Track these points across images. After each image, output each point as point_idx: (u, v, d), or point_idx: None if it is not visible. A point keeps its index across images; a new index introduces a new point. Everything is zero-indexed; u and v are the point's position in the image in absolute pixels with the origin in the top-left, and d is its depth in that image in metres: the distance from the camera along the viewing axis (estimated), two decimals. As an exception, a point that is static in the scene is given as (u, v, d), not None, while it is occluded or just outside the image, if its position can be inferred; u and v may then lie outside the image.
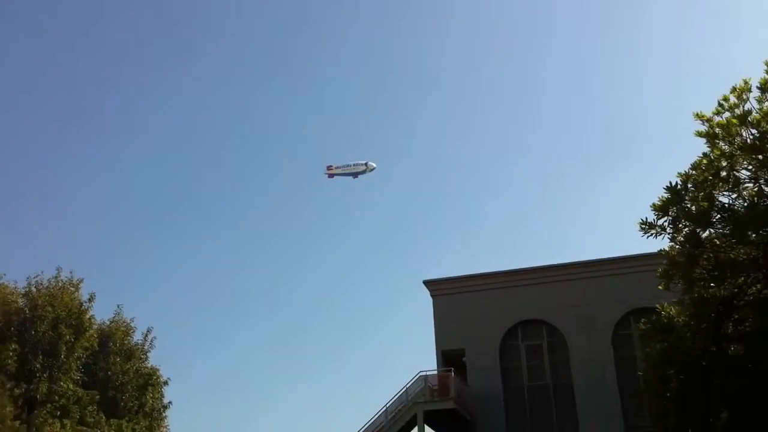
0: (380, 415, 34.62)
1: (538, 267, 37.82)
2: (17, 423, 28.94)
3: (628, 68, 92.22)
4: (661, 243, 18.25)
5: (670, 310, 18.63)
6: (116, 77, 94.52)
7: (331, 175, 55.69)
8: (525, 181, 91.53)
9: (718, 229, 17.19)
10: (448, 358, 36.79)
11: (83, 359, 34.32)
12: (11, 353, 31.17)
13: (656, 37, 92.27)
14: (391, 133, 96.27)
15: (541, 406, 35.46)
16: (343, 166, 55.81)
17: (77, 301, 35.11)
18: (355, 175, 55.52)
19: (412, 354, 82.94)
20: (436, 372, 35.74)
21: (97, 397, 33.36)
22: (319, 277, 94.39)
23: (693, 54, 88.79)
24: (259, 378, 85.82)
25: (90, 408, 32.96)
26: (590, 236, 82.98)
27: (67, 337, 33.18)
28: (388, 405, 34.81)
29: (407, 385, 35.19)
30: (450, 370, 35.50)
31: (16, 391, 30.18)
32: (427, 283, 38.88)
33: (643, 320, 19.27)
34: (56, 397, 31.97)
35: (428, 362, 37.35)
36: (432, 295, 38.55)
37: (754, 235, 16.83)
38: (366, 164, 55.71)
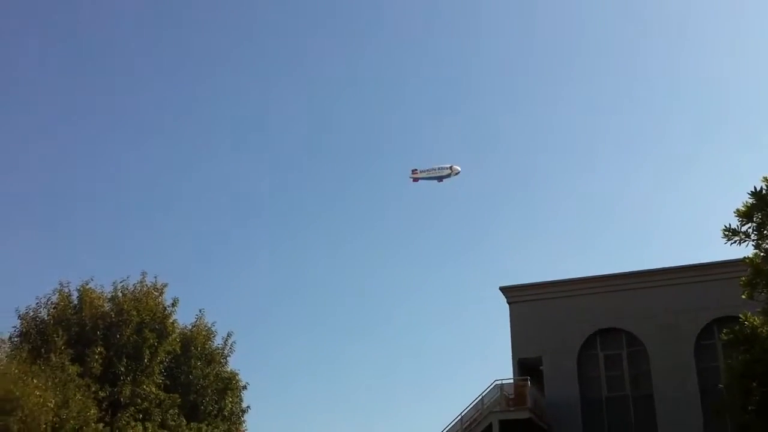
0: (455, 423, 34.42)
1: (617, 274, 37.05)
2: (101, 425, 29.70)
3: (708, 68, 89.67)
4: (746, 250, 17.80)
5: (754, 319, 18.09)
6: (195, 78, 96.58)
7: (415, 179, 55.71)
8: (603, 184, 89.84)
9: (806, 236, 16.66)
10: (525, 366, 36.34)
11: (166, 363, 35.06)
12: (97, 356, 32.07)
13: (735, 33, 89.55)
14: (477, 135, 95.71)
15: (619, 417, 34.66)
16: (428, 170, 55.80)
17: (161, 306, 35.95)
18: (440, 179, 55.43)
19: (489, 362, 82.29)
20: (512, 381, 35.37)
21: (179, 400, 34.01)
22: (396, 282, 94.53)
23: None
24: (334, 382, 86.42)
25: (171, 411, 33.61)
26: (672, 242, 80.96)
27: (151, 341, 33.92)
28: (463, 413, 34.58)
29: (483, 394, 34.92)
30: (526, 379, 35.07)
31: (101, 393, 30.98)
32: (503, 289, 38.48)
33: (725, 330, 18.75)
34: (139, 401, 32.69)
35: (505, 371, 36.98)
36: (509, 302, 38.14)
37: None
38: (451, 168, 55.56)
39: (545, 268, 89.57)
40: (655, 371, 34.32)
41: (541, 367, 36.30)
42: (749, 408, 16.77)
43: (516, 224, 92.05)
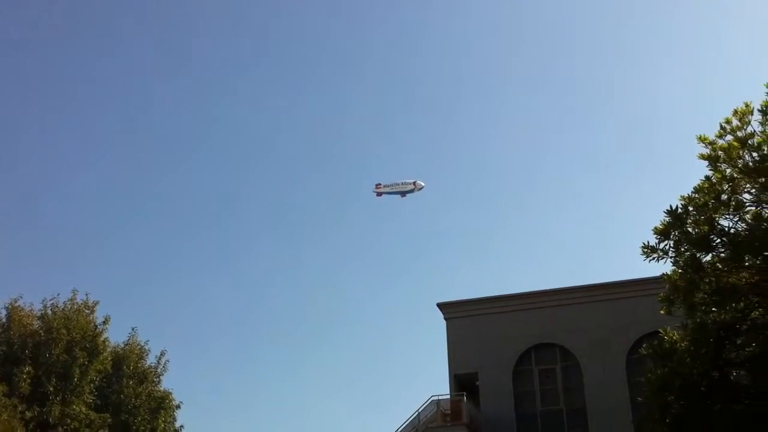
0: (391, 439, 34.40)
1: (551, 290, 37.55)
2: (29, 446, 29.10)
3: (642, 83, 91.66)
4: (665, 267, 18.17)
5: (673, 334, 18.46)
6: (154, 85, 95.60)
7: (379, 194, 55.67)
8: (539, 201, 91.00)
9: (719, 253, 17.07)
10: (461, 382, 36.53)
11: (96, 382, 34.49)
12: (25, 376, 31.46)
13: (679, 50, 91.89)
14: (440, 150, 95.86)
15: (554, 431, 35.03)
16: (392, 185, 55.77)
17: (92, 324, 35.42)
18: (403, 194, 55.46)
19: (428, 378, 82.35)
20: (448, 396, 35.52)
21: (109, 420, 33.47)
22: (342, 297, 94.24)
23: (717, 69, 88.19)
24: (271, 401, 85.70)
25: (102, 431, 33.08)
26: (607, 258, 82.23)
27: (81, 360, 33.39)
28: (399, 429, 34.64)
29: (419, 410, 35.01)
30: (463, 395, 35.25)
31: (29, 414, 30.36)
32: (440, 305, 38.68)
33: (644, 345, 19.14)
34: (69, 420, 32.13)
35: (441, 386, 37.09)
36: (445, 318, 38.33)
37: (755, 260, 16.72)
38: (414, 183, 55.63)
39: (491, 284, 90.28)
40: (588, 385, 34.78)
41: (477, 383, 36.50)
42: (667, 421, 17.09)
43: (464, 241, 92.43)
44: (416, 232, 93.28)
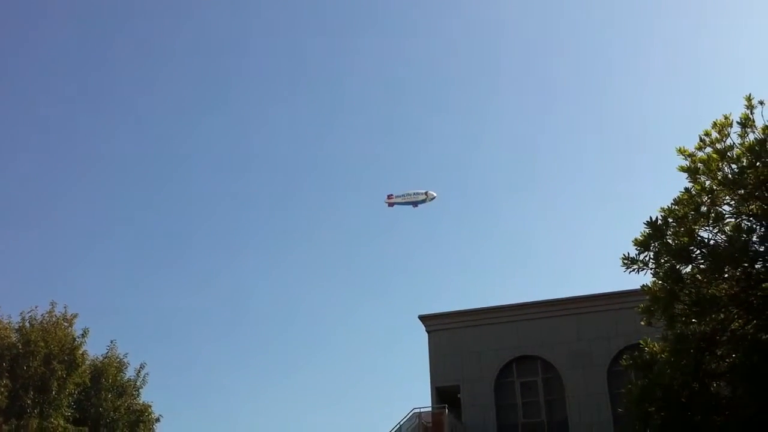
0: (373, 452, 34.23)
1: (533, 302, 37.49)
2: (5, 460, 28.75)
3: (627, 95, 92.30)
4: (645, 278, 18.22)
5: (654, 346, 18.48)
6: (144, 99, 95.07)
7: (391, 204, 55.63)
8: (525, 214, 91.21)
9: (699, 264, 17.12)
10: (443, 394, 36.39)
11: (75, 395, 34.17)
12: (2, 389, 31.11)
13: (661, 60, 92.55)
14: (453, 162, 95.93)
15: (535, 443, 34.97)
16: (404, 195, 55.74)
17: (70, 337, 35.11)
18: (415, 204, 55.46)
19: (408, 390, 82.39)
20: (430, 409, 35.37)
21: (88, 433, 33.17)
22: (321, 311, 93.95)
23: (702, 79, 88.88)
24: (253, 414, 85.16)
25: (80, 445, 32.74)
26: (589, 270, 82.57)
27: (59, 372, 33.09)
28: (381, 442, 34.45)
29: (401, 422, 34.78)
30: (444, 407, 35.09)
31: (6, 427, 30.04)
32: (422, 318, 38.57)
33: (625, 356, 19.14)
34: (47, 434, 31.75)
35: (423, 399, 37.03)
36: (427, 331, 38.22)
37: (735, 271, 16.78)
38: (426, 193, 55.59)
39: (477, 296, 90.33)
40: (570, 398, 34.75)
41: (459, 395, 36.39)
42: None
43: (451, 253, 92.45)
44: (408, 243, 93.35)
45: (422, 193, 55.49)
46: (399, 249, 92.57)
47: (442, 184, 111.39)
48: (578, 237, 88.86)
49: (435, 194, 55.56)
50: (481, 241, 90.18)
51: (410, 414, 35.18)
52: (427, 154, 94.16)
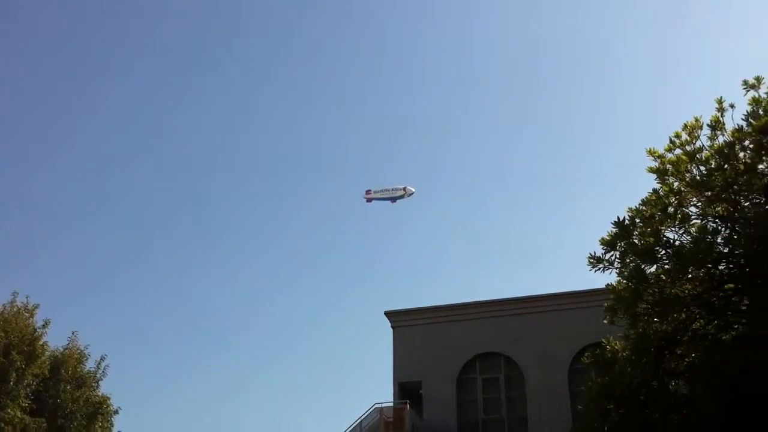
0: (334, 446, 34.23)
1: (497, 300, 37.75)
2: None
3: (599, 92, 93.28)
4: (611, 278, 18.37)
5: (615, 344, 18.66)
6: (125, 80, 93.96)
7: (369, 200, 55.48)
8: (492, 208, 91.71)
9: (664, 264, 17.30)
10: (406, 390, 36.44)
11: (33, 386, 33.69)
12: (-41, 379, 30.56)
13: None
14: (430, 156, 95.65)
15: (495, 440, 35.18)
16: (382, 191, 55.64)
17: (31, 328, 34.62)
18: (393, 199, 55.41)
19: (372, 385, 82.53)
20: (391, 404, 35.41)
21: (45, 425, 32.69)
22: (300, 302, 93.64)
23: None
24: (213, 409, 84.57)
25: (37, 436, 32.26)
26: (557, 269, 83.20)
27: (18, 363, 32.60)
28: (342, 437, 34.41)
29: (362, 417, 34.83)
30: (406, 403, 35.17)
31: (-39, 417, 29.49)
32: (388, 314, 38.64)
33: (586, 354, 19.33)
34: (3, 425, 31.27)
35: (386, 394, 37.01)
36: (392, 326, 38.28)
37: (698, 272, 16.99)
38: (404, 189, 55.57)
39: (436, 293, 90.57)
40: (530, 395, 35.00)
41: (421, 391, 36.49)
42: (605, 429, 17.25)
43: (422, 249, 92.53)
44: (382, 239, 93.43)
45: (401, 189, 55.66)
46: (375, 244, 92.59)
47: (421, 180, 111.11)
48: (550, 236, 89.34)
49: (413, 189, 55.80)
50: (455, 238, 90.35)
51: (371, 409, 35.25)
52: (407, 148, 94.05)
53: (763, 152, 16.21)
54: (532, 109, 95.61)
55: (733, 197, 16.60)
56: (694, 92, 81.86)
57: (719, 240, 16.41)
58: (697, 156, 17.01)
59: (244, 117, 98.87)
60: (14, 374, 32.42)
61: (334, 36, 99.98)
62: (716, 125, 17.01)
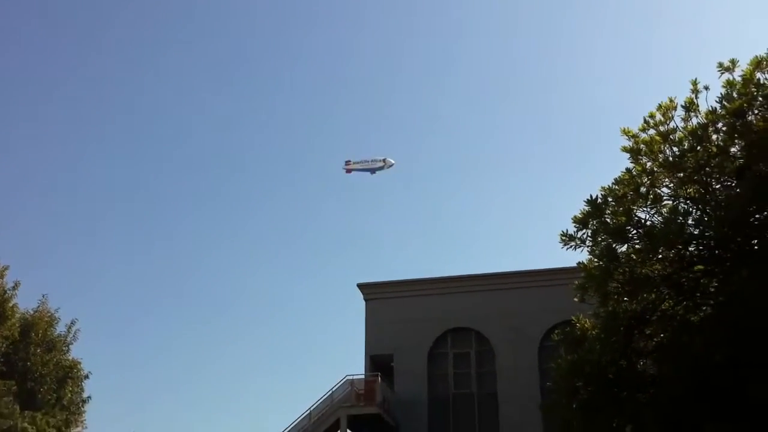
0: (304, 417, 34.40)
1: (470, 275, 37.98)
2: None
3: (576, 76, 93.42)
4: (582, 256, 18.43)
5: (585, 322, 18.77)
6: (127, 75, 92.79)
7: (348, 171, 55.43)
8: (472, 188, 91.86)
9: (635, 244, 17.38)
10: (377, 363, 36.70)
11: (2, 349, 33.42)
12: (-75, 340, 30.25)
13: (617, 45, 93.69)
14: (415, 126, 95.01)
15: (464, 414, 35.52)
16: (362, 162, 55.60)
17: (1, 289, 34.25)
18: (372, 171, 55.37)
19: (344, 358, 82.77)
20: (363, 377, 35.63)
21: (14, 387, 32.44)
22: (274, 276, 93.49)
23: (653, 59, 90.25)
24: (183, 376, 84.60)
25: (5, 399, 31.97)
26: (527, 246, 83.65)
27: (-13, 325, 32.27)
28: (312, 408, 34.62)
29: (333, 389, 35.08)
30: (377, 375, 35.42)
31: (-72, 379, 29.24)
32: (360, 286, 38.78)
33: (556, 331, 19.45)
34: (-29, 387, 31.06)
35: (357, 367, 37.21)
36: (365, 299, 38.45)
37: (669, 252, 17.09)
38: (384, 160, 55.54)
39: (412, 267, 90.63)
40: (500, 371, 35.38)
41: (392, 364, 36.70)
42: (574, 406, 17.40)
43: (402, 222, 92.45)
44: (360, 211, 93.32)
45: (380, 160, 55.66)
46: (353, 216, 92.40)
47: (402, 152, 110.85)
48: (524, 213, 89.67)
49: (393, 162, 55.87)
50: (433, 212, 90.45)
51: (343, 381, 35.46)
52: (388, 120, 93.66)
53: (735, 135, 16.25)
54: (513, 87, 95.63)
55: (704, 179, 16.65)
56: (670, 74, 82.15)
57: (690, 221, 16.46)
58: (671, 137, 17.04)
59: (226, 88, 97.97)
60: (-17, 336, 32.12)
61: (314, 5, 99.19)
62: (690, 107, 17.03)
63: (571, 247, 17.83)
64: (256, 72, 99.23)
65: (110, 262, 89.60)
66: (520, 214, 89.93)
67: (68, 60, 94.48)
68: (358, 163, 55.59)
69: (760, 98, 16.22)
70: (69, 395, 35.78)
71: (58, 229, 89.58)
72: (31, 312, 36.41)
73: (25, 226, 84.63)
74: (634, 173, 17.57)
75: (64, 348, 36.53)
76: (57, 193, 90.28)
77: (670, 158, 17.18)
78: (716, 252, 16.59)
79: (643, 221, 17.20)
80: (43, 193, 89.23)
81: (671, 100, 17.40)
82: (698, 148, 16.49)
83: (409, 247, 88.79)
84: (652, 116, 17.59)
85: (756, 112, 16.28)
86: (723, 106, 16.51)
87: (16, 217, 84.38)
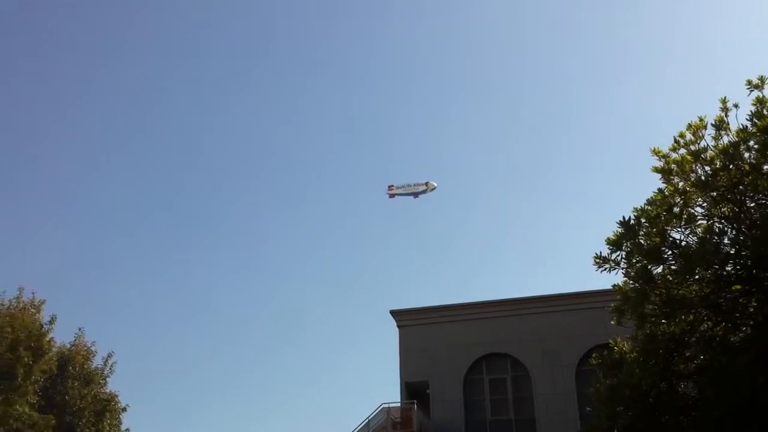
0: (341, 446, 34.23)
1: (504, 300, 37.72)
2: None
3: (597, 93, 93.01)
4: (617, 278, 18.29)
5: (623, 345, 18.57)
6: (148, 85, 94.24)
7: (392, 195, 55.82)
8: (502, 209, 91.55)
9: (670, 265, 17.20)
10: (412, 390, 36.47)
11: (41, 383, 33.75)
12: (-34, 375, 30.62)
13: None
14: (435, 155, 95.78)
15: (502, 441, 35.14)
16: (404, 186, 56.00)
17: (38, 323, 34.65)
18: (415, 195, 55.74)
19: (378, 385, 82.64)
20: (399, 404, 35.43)
21: (53, 421, 32.70)
22: (293, 303, 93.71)
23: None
24: (220, 407, 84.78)
25: (45, 433, 32.34)
26: (563, 270, 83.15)
27: (26, 359, 32.58)
28: (349, 437, 34.43)
29: (369, 417, 34.91)
30: (413, 403, 35.19)
31: (-31, 414, 29.57)
32: (393, 313, 38.64)
33: (594, 355, 19.22)
34: (11, 421, 31.30)
35: (392, 394, 37.04)
36: (398, 326, 38.29)
37: (705, 273, 16.88)
38: (426, 184, 55.86)
39: (442, 293, 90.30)
40: (537, 396, 34.98)
41: (428, 391, 36.47)
42: (615, 431, 17.17)
43: (409, 249, 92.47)
44: (405, 236, 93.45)
45: (422, 184, 56.00)
46: (397, 241, 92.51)
47: (443, 175, 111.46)
48: (554, 236, 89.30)
49: (435, 184, 56.10)
50: (461, 235, 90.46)
51: (379, 409, 35.29)
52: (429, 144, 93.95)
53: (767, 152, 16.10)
54: (529, 106, 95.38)
55: (738, 198, 16.48)
56: (698, 92, 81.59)
57: (726, 241, 16.28)
58: (702, 156, 16.91)
59: (269, 117, 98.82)
60: (22, 370, 32.38)
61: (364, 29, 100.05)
62: (720, 125, 16.91)
63: (605, 269, 17.69)
64: (306, 97, 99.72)
65: (144, 292, 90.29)
66: (553, 237, 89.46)
67: (91, 64, 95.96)
68: (401, 187, 55.97)
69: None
70: (107, 428, 36.06)
71: (91, 264, 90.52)
72: (68, 346, 36.80)
73: (59, 260, 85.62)
74: (666, 193, 17.47)
75: (101, 381, 36.86)
76: (85, 231, 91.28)
77: (702, 177, 17.03)
78: (754, 271, 16.34)
79: (677, 242, 17.05)
80: (73, 229, 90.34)
81: (701, 119, 17.30)
82: (731, 166, 16.33)
83: (438, 272, 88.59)
84: (682, 136, 17.50)
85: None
86: (754, 124, 16.37)
87: (50, 253, 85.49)
